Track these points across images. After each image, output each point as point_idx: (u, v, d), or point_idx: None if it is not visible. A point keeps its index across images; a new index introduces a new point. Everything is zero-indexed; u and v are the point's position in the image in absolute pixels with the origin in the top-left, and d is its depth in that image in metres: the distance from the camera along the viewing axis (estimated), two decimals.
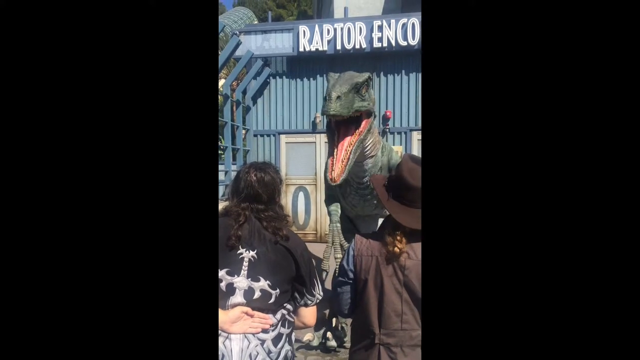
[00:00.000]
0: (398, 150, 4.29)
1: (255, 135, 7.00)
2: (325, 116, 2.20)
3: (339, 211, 3.01)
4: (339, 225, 2.92)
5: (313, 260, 1.37)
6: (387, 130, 6.52)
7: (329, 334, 2.95)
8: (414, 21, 6.10)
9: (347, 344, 2.81)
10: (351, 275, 1.34)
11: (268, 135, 6.96)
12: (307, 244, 1.45)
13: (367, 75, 2.31)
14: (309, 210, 6.83)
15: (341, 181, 2.21)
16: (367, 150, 2.53)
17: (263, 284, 1.24)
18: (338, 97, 2.11)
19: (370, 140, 2.53)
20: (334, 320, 2.98)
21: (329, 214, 3.02)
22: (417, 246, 1.26)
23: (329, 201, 3.11)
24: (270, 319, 1.26)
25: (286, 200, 6.74)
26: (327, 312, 3.04)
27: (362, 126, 2.34)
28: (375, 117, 2.55)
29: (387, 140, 5.56)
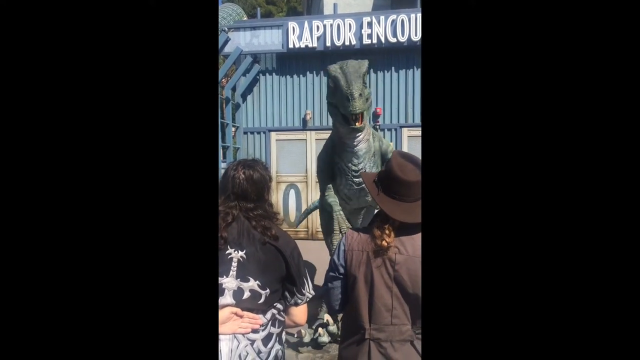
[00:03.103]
0: (389, 145, 4.31)
1: (245, 133, 6.96)
2: (350, 115, 2.32)
3: (337, 201, 2.98)
4: (342, 212, 2.88)
5: (303, 259, 1.37)
6: (378, 127, 6.53)
7: (320, 330, 2.96)
8: (404, 18, 6.11)
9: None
10: (342, 270, 1.33)
11: (258, 133, 6.93)
12: (298, 241, 1.45)
13: (367, 62, 2.46)
14: (300, 207, 6.81)
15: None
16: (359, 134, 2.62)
17: (252, 284, 1.24)
18: (360, 94, 2.22)
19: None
20: (326, 316, 2.98)
21: (330, 205, 2.94)
22: (407, 241, 1.26)
23: (323, 184, 3.05)
24: (260, 319, 1.25)
25: (277, 197, 6.72)
26: (319, 309, 3.04)
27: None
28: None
29: None
